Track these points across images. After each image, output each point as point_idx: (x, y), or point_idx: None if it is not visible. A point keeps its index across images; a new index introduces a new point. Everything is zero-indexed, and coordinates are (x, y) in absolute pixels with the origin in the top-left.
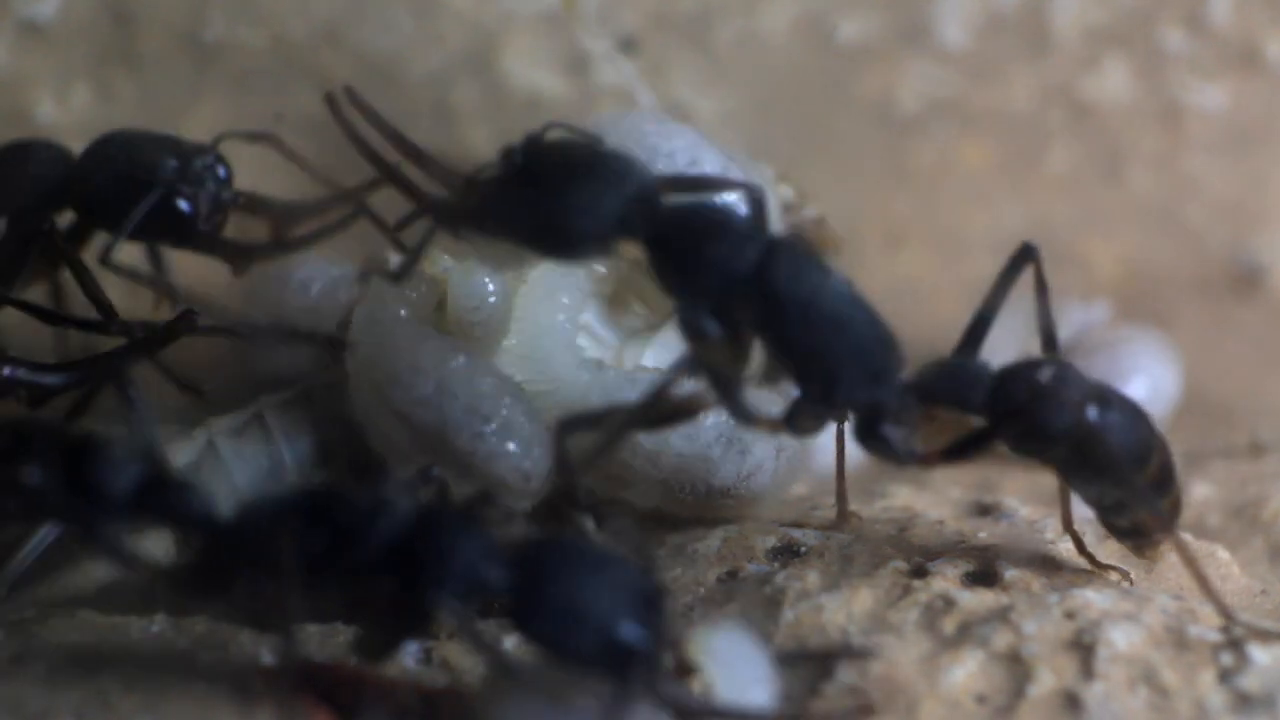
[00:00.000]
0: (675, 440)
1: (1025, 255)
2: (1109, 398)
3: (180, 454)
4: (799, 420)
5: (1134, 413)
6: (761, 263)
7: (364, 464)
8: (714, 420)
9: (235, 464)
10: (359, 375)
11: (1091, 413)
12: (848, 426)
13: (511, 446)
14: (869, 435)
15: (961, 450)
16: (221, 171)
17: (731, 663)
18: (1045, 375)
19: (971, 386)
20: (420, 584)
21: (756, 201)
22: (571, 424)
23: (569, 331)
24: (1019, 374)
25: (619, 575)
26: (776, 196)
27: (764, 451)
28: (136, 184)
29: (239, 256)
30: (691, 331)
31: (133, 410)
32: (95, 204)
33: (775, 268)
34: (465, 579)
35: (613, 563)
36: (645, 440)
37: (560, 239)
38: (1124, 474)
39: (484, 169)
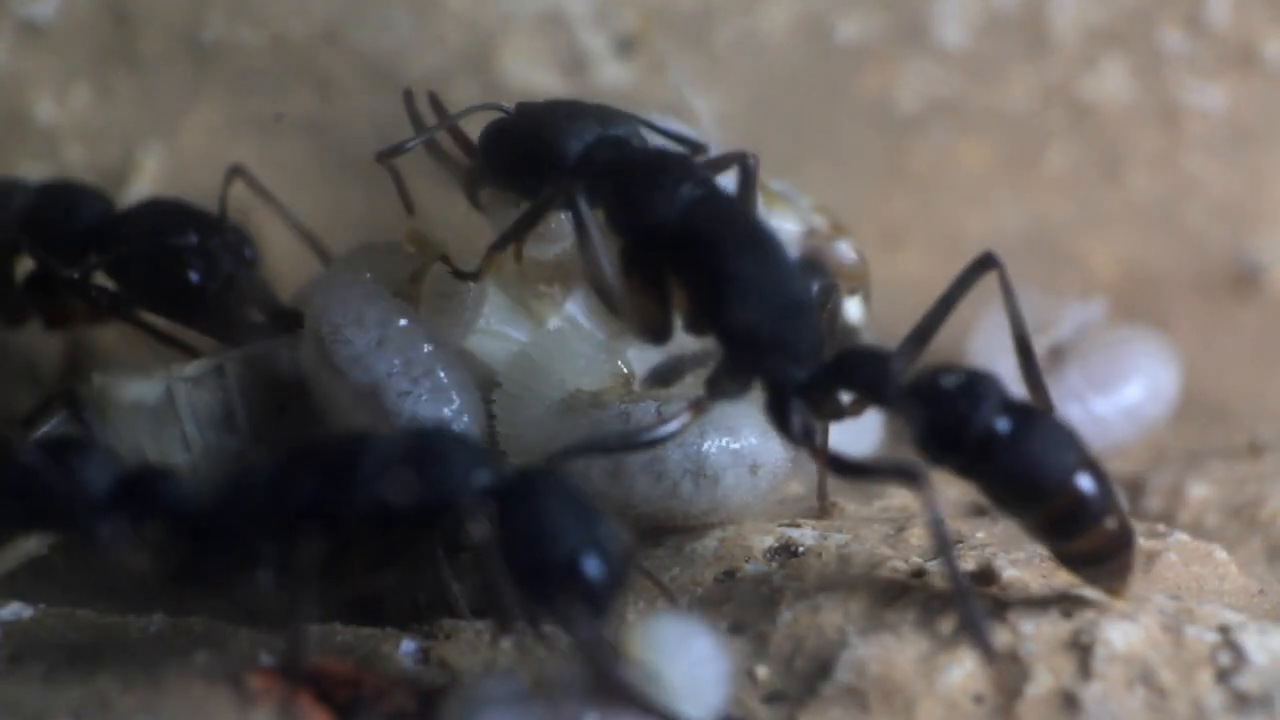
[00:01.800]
0: (641, 484)
1: (984, 264)
2: (1027, 413)
3: (137, 393)
4: (718, 384)
5: (1056, 431)
6: (691, 208)
7: (315, 421)
8: (679, 455)
9: (188, 412)
10: (310, 328)
11: (1000, 425)
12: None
13: (441, 411)
14: (774, 408)
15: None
16: (248, 253)
17: (680, 656)
18: (949, 381)
19: (885, 381)
20: (429, 494)
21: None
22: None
23: (559, 389)
24: (925, 378)
25: (600, 523)
26: (806, 223)
27: (736, 476)
28: (156, 250)
29: (235, 336)
30: (626, 267)
31: (86, 430)
32: (118, 260)
33: (702, 215)
34: (466, 481)
35: (598, 511)
36: (610, 490)
37: (526, 167)
38: (1028, 495)
39: (487, 106)
